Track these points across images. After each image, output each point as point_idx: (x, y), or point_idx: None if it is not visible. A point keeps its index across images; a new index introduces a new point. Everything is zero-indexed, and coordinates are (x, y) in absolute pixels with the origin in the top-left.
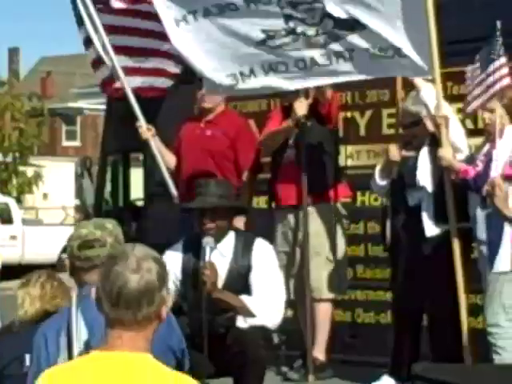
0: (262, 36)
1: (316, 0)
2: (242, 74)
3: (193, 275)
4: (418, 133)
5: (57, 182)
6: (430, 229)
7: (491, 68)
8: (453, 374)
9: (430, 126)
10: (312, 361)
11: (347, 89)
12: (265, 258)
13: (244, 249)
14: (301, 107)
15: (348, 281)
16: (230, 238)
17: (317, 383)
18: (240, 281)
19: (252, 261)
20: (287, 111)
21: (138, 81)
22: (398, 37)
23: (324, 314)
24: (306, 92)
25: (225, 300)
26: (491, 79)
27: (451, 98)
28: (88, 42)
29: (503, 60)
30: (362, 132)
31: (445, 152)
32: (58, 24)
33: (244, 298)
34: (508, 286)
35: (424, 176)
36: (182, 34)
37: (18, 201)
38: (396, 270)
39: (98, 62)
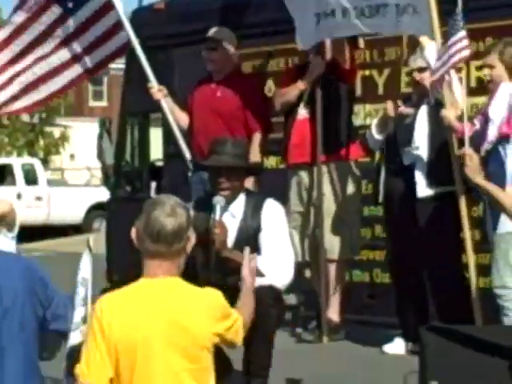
0: None
1: None
2: (325, 13)
3: (203, 234)
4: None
5: (84, 142)
6: (422, 190)
7: (452, 40)
8: (462, 334)
9: (430, 86)
10: (326, 322)
11: (365, 47)
12: (274, 218)
13: (254, 209)
14: (318, 65)
15: (361, 241)
16: (241, 198)
17: (330, 344)
18: (250, 241)
19: (262, 221)
20: (301, 71)
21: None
22: None
23: (337, 274)
24: (322, 51)
25: (234, 259)
26: (453, 50)
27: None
28: None
29: (463, 33)
30: (381, 91)
31: (447, 112)
32: None
33: None
34: None
35: (421, 136)
36: None
37: (45, 162)
38: (389, 229)
39: None
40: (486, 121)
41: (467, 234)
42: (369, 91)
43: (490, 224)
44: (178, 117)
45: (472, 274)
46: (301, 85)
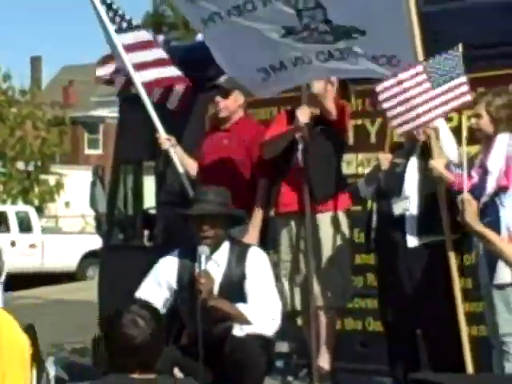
0: (283, 31)
1: (319, 6)
2: (272, 67)
3: (188, 284)
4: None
5: (79, 190)
6: (413, 240)
7: (451, 85)
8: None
9: (420, 136)
10: (317, 370)
11: (358, 96)
12: (259, 266)
13: (238, 258)
14: (303, 114)
15: (352, 289)
16: (225, 246)
17: None
18: (235, 290)
19: (246, 269)
20: (292, 117)
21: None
22: (389, 44)
23: (328, 323)
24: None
25: (220, 308)
26: (450, 95)
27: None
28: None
29: (463, 78)
30: (373, 140)
31: (436, 163)
32: (79, 33)
33: (239, 306)
34: None
35: (411, 186)
36: (211, 34)
37: (40, 209)
38: (381, 278)
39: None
40: (484, 173)
41: (456, 282)
42: (361, 140)
43: (485, 273)
44: (187, 166)
45: (462, 322)
46: (287, 134)
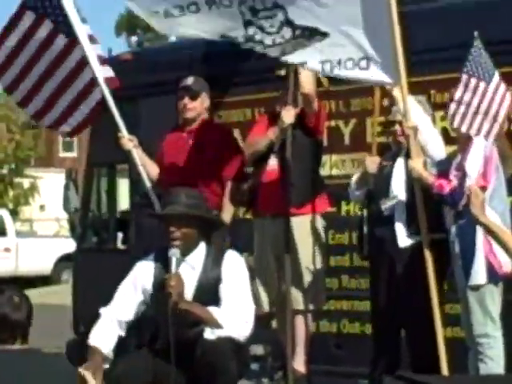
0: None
1: (277, 6)
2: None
3: (161, 288)
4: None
5: (53, 193)
6: (403, 239)
7: (493, 86)
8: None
9: (400, 138)
10: (292, 372)
11: (332, 98)
12: (235, 270)
13: (214, 261)
14: (288, 116)
15: (328, 292)
16: (201, 250)
17: None
18: (210, 293)
19: (222, 273)
20: (273, 119)
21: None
22: (362, 46)
23: (303, 325)
24: (294, 101)
25: (192, 312)
26: (497, 100)
27: (434, 106)
28: None
29: (497, 77)
30: (347, 141)
31: (414, 163)
32: None
33: (212, 309)
34: (490, 297)
35: (398, 186)
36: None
37: (15, 213)
38: (374, 281)
39: None
40: (463, 176)
41: (433, 287)
42: (335, 142)
43: (461, 274)
44: (148, 167)
45: (438, 323)
46: (271, 135)
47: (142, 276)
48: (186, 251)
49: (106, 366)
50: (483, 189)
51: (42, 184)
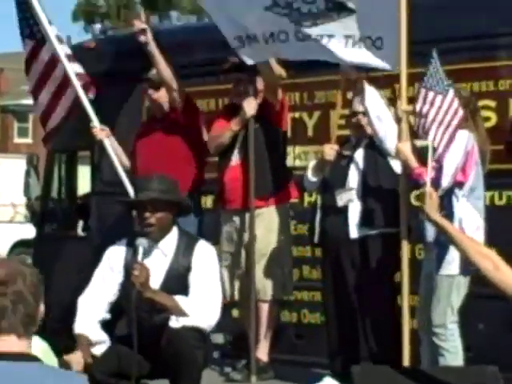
0: (269, 2)
1: None
2: (248, 37)
3: (127, 276)
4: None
5: (8, 179)
6: (355, 231)
7: (448, 98)
8: (392, 377)
9: (367, 129)
10: (255, 361)
11: (296, 90)
12: (205, 259)
13: (186, 249)
14: (250, 107)
15: (293, 282)
16: (173, 237)
17: None
18: (179, 281)
19: (192, 262)
20: (234, 110)
21: None
22: (373, 27)
23: (268, 314)
24: (255, 92)
25: (156, 300)
26: (453, 109)
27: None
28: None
29: (452, 93)
30: (310, 133)
31: (402, 146)
32: (9, 19)
33: (178, 298)
34: (456, 289)
35: (355, 178)
36: None
37: None
38: (323, 270)
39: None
40: (440, 169)
41: (405, 276)
42: (299, 133)
43: (433, 262)
44: (120, 156)
45: (405, 316)
46: (234, 126)
47: (114, 259)
48: (159, 237)
49: (103, 348)
50: (461, 184)
51: None
